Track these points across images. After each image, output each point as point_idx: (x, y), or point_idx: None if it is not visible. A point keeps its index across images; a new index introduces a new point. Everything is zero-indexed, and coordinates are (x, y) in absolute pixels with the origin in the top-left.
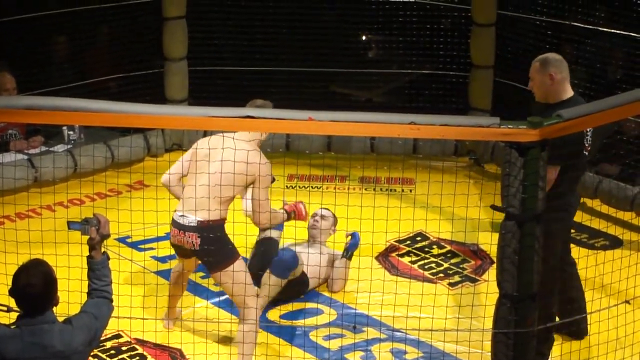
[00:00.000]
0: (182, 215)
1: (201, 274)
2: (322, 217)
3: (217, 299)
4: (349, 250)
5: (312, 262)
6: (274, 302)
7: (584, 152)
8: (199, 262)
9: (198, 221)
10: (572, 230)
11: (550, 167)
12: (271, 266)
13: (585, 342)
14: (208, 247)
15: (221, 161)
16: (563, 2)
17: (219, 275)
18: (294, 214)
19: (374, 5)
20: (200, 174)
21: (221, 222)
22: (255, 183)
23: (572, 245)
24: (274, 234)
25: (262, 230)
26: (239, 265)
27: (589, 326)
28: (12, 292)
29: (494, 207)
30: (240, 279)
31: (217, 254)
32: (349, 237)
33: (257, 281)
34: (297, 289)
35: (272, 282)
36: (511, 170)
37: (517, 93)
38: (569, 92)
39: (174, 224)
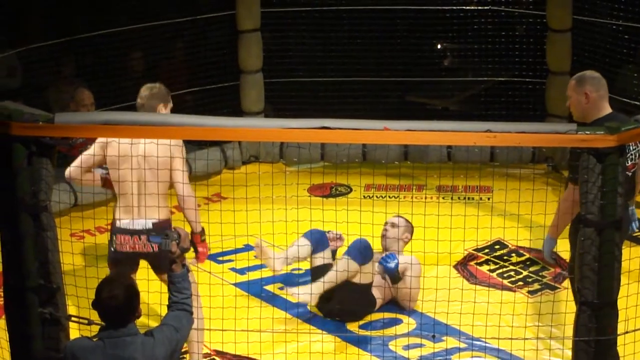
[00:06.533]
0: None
1: (279, 284)
2: (392, 225)
3: (295, 310)
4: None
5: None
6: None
7: (626, 172)
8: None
9: (152, 223)
10: None
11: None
12: (347, 250)
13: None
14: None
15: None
16: None
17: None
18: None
19: (449, 13)
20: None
21: (169, 221)
22: (173, 164)
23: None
24: (325, 260)
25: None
26: None
27: None
28: (95, 305)
29: None
30: None
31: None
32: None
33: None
34: (363, 310)
35: (340, 266)
36: (589, 176)
37: None
38: (606, 110)
39: (124, 231)
